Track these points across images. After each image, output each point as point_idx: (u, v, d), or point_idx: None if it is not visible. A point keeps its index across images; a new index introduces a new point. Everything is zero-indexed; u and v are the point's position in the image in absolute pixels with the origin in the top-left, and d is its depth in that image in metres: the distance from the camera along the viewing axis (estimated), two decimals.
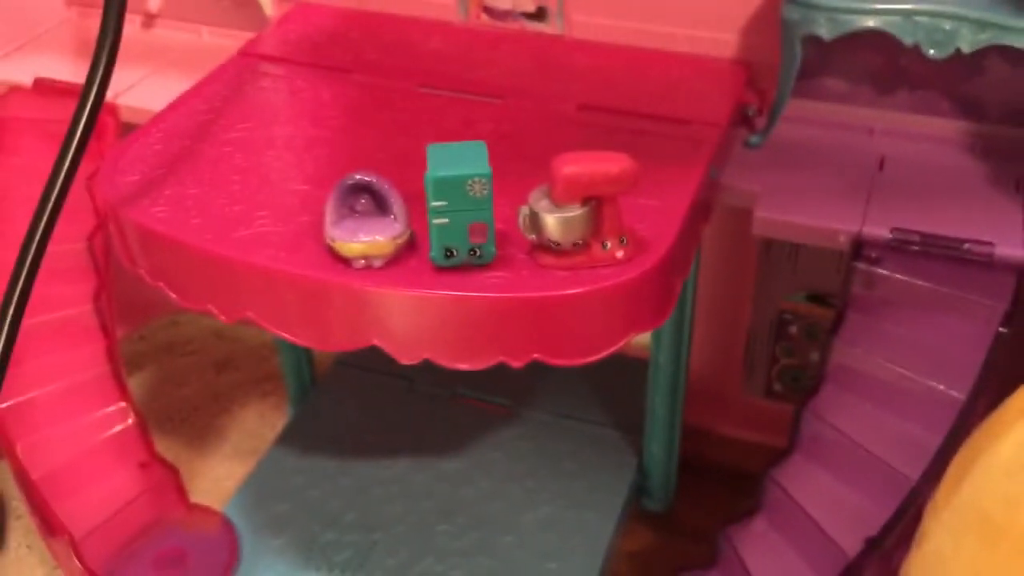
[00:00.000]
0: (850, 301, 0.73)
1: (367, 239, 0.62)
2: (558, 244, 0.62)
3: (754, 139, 0.81)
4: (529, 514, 0.92)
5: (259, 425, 1.15)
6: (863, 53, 0.80)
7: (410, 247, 0.64)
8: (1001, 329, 0.67)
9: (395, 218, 0.62)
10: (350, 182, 0.62)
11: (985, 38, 0.71)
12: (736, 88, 0.80)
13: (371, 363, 1.09)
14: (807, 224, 0.74)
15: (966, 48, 0.72)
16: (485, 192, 0.59)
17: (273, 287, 0.64)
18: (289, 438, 1.02)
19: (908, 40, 0.72)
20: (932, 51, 0.72)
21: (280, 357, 1.09)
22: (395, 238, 0.62)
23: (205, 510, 0.95)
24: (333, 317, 0.64)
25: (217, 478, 1.08)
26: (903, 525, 0.66)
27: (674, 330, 0.87)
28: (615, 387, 1.03)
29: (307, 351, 1.07)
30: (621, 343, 0.64)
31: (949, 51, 0.72)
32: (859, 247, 0.73)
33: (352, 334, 0.64)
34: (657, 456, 0.95)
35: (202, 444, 1.13)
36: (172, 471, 0.93)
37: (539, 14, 0.87)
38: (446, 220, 0.60)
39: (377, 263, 0.62)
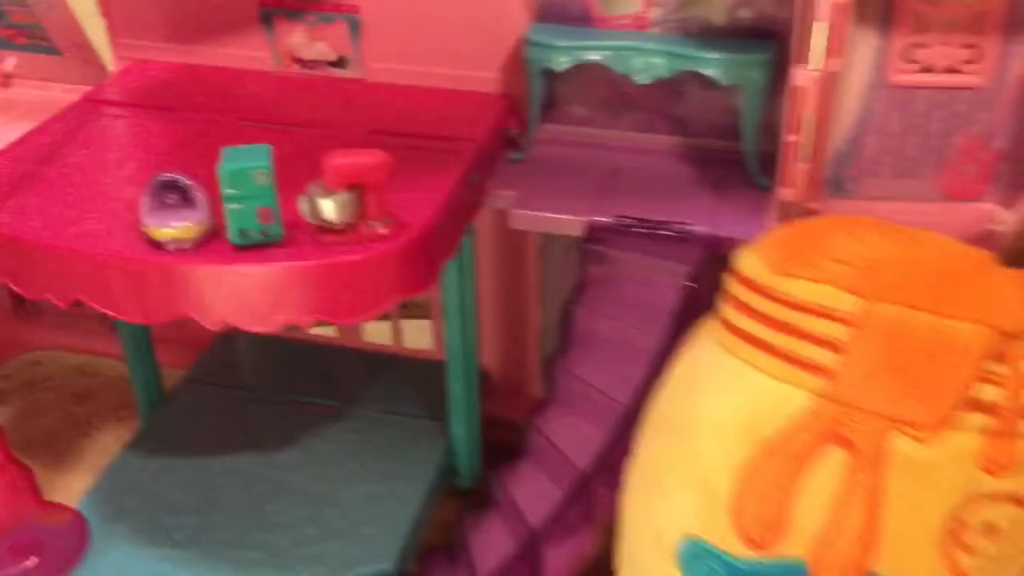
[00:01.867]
0: (586, 276, 0.91)
1: (177, 224, 0.76)
2: (332, 224, 0.78)
3: (515, 155, 1.00)
4: (351, 491, 1.05)
5: (115, 444, 1.24)
6: (597, 86, 0.99)
7: (214, 234, 0.78)
8: (686, 283, 0.85)
9: (199, 209, 0.77)
10: (161, 179, 0.77)
11: (678, 66, 0.91)
12: (497, 114, 0.98)
13: (218, 379, 1.22)
14: (549, 216, 0.92)
15: (665, 75, 0.91)
16: (267, 181, 0.75)
17: (100, 271, 0.78)
18: (138, 444, 1.13)
19: (620, 70, 0.92)
20: (638, 78, 0.92)
21: (130, 376, 1.20)
22: (200, 223, 0.77)
23: (57, 506, 1.05)
24: (151, 293, 0.78)
25: (75, 491, 1.16)
26: (624, 443, 0.82)
27: (460, 323, 1.02)
28: (426, 386, 1.18)
29: (155, 369, 1.19)
30: (388, 304, 0.80)
31: (651, 78, 0.92)
32: (591, 232, 0.91)
33: (168, 307, 0.78)
34: (461, 438, 1.10)
35: (60, 463, 1.22)
36: (26, 471, 1.03)
37: (340, 62, 1.05)
38: (239, 206, 0.75)
39: (186, 246, 0.77)
